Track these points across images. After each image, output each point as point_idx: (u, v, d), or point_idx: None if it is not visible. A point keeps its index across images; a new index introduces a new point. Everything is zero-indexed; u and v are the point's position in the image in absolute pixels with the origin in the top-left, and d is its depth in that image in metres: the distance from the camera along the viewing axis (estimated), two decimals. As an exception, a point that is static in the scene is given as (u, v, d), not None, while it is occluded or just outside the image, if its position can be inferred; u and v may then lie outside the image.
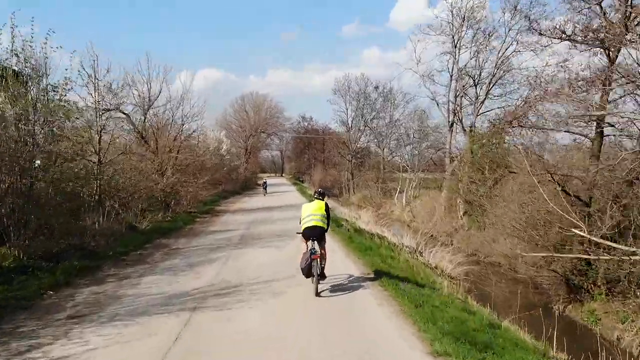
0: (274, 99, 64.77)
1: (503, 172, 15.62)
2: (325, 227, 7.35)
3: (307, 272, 7.01)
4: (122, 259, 10.05)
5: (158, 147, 19.10)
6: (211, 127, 42.66)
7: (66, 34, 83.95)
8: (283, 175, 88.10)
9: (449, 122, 26.63)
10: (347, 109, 47.85)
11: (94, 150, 13.41)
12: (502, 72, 23.73)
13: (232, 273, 8.47)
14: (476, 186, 20.37)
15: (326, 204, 7.54)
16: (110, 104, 15.16)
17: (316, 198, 7.73)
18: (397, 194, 37.48)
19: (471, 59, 24.75)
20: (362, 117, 47.17)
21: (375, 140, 47.29)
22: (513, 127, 14.55)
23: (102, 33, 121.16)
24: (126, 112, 18.75)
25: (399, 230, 26.51)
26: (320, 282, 7.18)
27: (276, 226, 15.40)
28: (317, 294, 6.96)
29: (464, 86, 24.56)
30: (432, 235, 21.09)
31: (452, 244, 21.69)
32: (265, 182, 36.94)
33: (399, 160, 42.75)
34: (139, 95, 19.23)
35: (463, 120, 24.75)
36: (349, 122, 48.37)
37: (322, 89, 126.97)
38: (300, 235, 7.38)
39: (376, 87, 45.87)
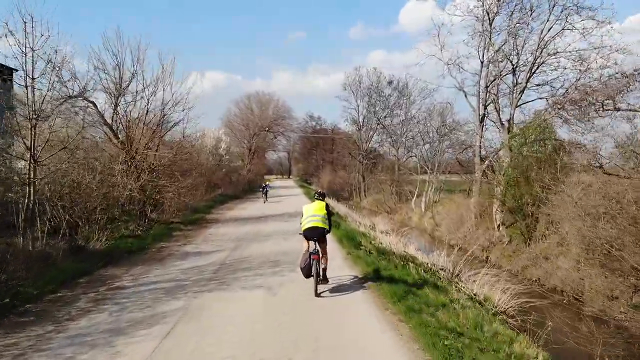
0: (280, 99, 61.60)
1: (573, 174, 11.72)
2: (327, 227, 7.38)
3: (307, 272, 7.04)
4: (21, 311, 6.40)
5: (132, 143, 15.48)
6: (214, 127, 39.46)
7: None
8: (290, 177, 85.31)
9: (479, 115, 22.63)
10: (358, 106, 44.41)
11: (25, 146, 9.86)
12: (545, 55, 19.77)
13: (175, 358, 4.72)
14: (522, 191, 16.56)
15: (327, 205, 7.59)
16: (61, 84, 11.52)
17: (316, 198, 7.76)
18: (414, 198, 33.81)
19: (506, 41, 20.76)
20: (374, 114, 43.46)
21: (389, 140, 43.40)
22: (606, 109, 10.65)
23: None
24: (92, 99, 15.14)
25: (419, 240, 22.98)
26: (321, 283, 7.24)
27: (272, 246, 11.65)
28: (317, 295, 6.96)
29: (500, 72, 20.57)
30: (461, 248, 17.52)
31: (488, 261, 18.11)
32: (265, 186, 30.62)
33: (416, 161, 38.75)
34: (108, 79, 15.53)
35: (500, 112, 20.69)
36: (360, 119, 44.72)
37: (327, 90, 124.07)
38: (302, 236, 7.38)
39: (390, 82, 42.22)
